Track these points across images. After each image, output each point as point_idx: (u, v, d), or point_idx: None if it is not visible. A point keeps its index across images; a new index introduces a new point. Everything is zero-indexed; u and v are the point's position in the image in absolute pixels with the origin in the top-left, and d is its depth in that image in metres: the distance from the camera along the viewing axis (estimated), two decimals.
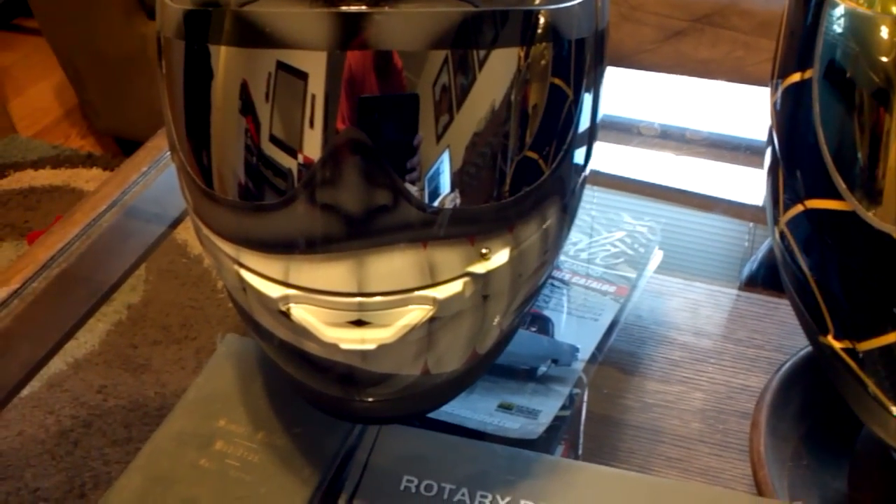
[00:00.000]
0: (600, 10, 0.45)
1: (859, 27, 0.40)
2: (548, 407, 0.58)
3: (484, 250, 0.42)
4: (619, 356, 0.66)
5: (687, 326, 0.70)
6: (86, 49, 1.75)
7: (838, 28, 0.41)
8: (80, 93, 1.87)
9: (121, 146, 1.98)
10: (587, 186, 0.51)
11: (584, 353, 0.62)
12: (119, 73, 1.73)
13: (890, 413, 0.42)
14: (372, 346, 0.41)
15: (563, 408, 0.59)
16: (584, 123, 0.46)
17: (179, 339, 0.92)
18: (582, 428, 0.62)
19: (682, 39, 1.05)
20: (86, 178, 1.90)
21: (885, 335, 0.40)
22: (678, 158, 0.88)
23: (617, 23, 1.28)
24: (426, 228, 0.41)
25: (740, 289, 0.72)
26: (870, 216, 0.40)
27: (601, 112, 0.49)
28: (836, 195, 0.41)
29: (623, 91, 0.94)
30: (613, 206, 0.78)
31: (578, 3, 0.42)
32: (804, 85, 0.43)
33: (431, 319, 0.42)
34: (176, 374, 0.84)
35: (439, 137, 0.40)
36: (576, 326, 0.64)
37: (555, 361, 0.61)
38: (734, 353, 0.68)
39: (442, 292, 0.41)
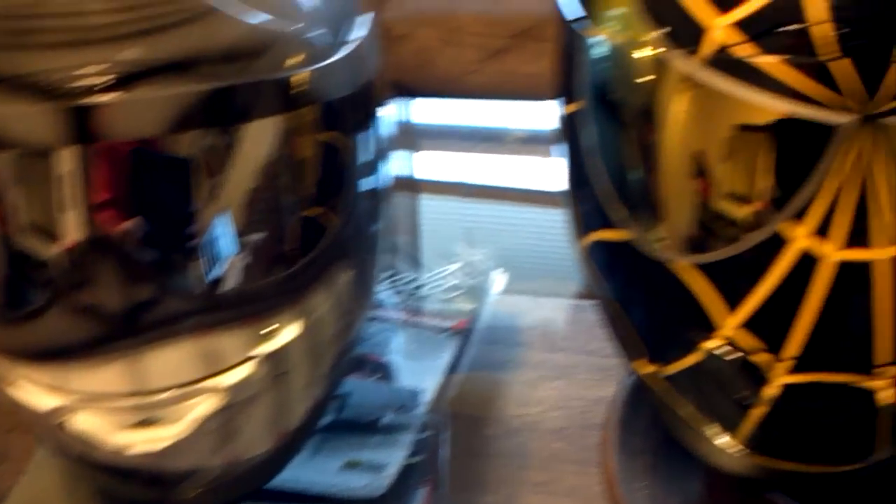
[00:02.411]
0: (365, 64, 0.44)
1: (614, 55, 0.40)
2: (394, 458, 0.57)
3: (269, 328, 0.40)
4: (477, 385, 0.66)
5: (540, 344, 0.70)
6: None
7: (596, 58, 0.41)
8: None
9: None
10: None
11: (428, 395, 0.61)
12: None
13: (702, 434, 0.43)
14: (165, 444, 0.39)
15: (414, 454, 0.58)
16: (364, 180, 0.45)
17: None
18: (445, 467, 0.61)
19: (505, 57, 1.06)
20: None
21: (684, 358, 0.40)
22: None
23: (438, 47, 1.28)
24: (202, 315, 0.39)
25: (586, 298, 0.73)
26: (648, 245, 0.40)
27: (387, 166, 0.48)
28: (617, 225, 0.41)
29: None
30: (448, 235, 0.77)
31: (332, 64, 0.41)
32: (576, 116, 0.43)
33: (225, 407, 0.40)
34: None
35: (204, 222, 0.38)
36: (417, 368, 0.62)
37: (399, 409, 0.60)
38: (588, 365, 0.68)
39: (230, 379, 0.39)
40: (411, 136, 1.09)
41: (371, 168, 0.46)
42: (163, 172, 0.38)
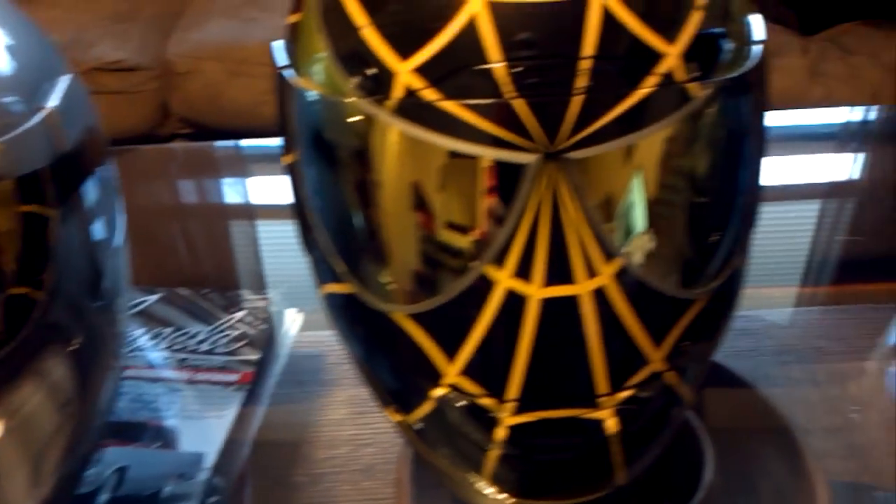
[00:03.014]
0: (66, 129, 0.41)
1: (318, 104, 0.39)
2: None
3: None
4: (282, 432, 0.63)
5: (348, 380, 0.68)
6: None
7: (303, 107, 0.40)
8: None
9: None
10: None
11: (212, 457, 0.58)
12: None
13: (460, 480, 0.42)
14: None
15: None
16: (77, 250, 0.42)
17: None
18: None
19: None
20: None
21: (420, 407, 0.40)
22: None
23: (226, 80, 1.25)
24: None
25: None
26: (369, 297, 0.39)
27: (114, 230, 0.45)
28: (341, 278, 0.40)
29: None
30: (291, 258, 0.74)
31: (22, 134, 0.38)
32: (294, 166, 0.42)
33: None
34: None
35: None
36: (201, 429, 0.59)
37: (180, 477, 0.56)
38: None
39: None
40: (244, 162, 1.06)
41: (86, 237, 0.43)
42: None
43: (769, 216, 0.90)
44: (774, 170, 0.96)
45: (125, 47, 1.47)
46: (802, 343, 0.70)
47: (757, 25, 0.40)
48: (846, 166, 0.95)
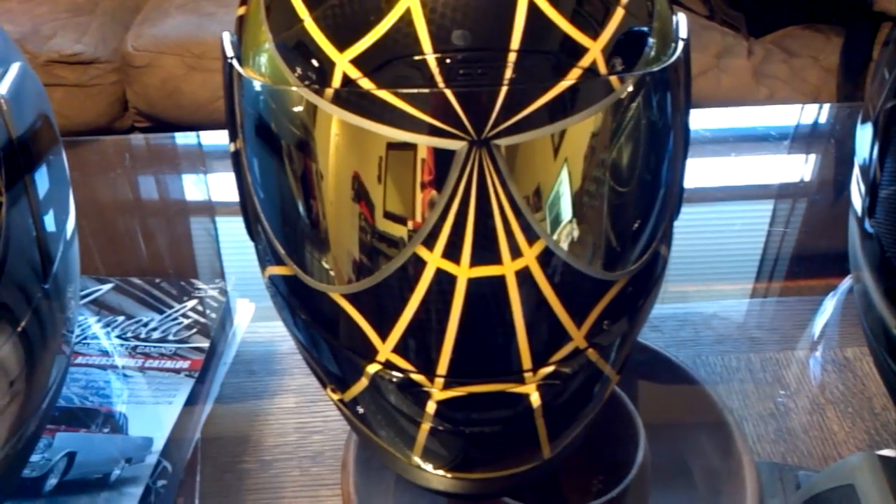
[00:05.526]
0: (10, 120, 0.42)
1: (262, 93, 0.40)
2: None
3: None
4: (232, 420, 0.64)
5: (299, 369, 0.69)
6: None
7: (248, 96, 0.41)
8: None
9: None
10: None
11: (161, 441, 0.59)
12: None
13: (397, 456, 0.43)
14: None
15: None
16: (22, 236, 0.43)
17: None
18: None
19: None
20: None
21: (356, 384, 0.41)
22: None
23: (184, 75, 1.26)
24: None
25: None
26: (307, 278, 0.41)
27: (67, 221, 0.46)
28: (283, 261, 0.41)
29: None
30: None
31: None
32: (240, 153, 0.43)
33: None
34: None
35: None
36: (151, 415, 0.61)
37: (129, 461, 0.58)
38: None
39: None
40: (202, 159, 1.06)
41: (34, 223, 0.44)
42: None
43: (708, 216, 0.92)
44: (710, 171, 0.98)
45: (83, 40, 1.48)
46: (739, 333, 0.73)
47: (681, 25, 0.43)
48: (785, 164, 0.98)
